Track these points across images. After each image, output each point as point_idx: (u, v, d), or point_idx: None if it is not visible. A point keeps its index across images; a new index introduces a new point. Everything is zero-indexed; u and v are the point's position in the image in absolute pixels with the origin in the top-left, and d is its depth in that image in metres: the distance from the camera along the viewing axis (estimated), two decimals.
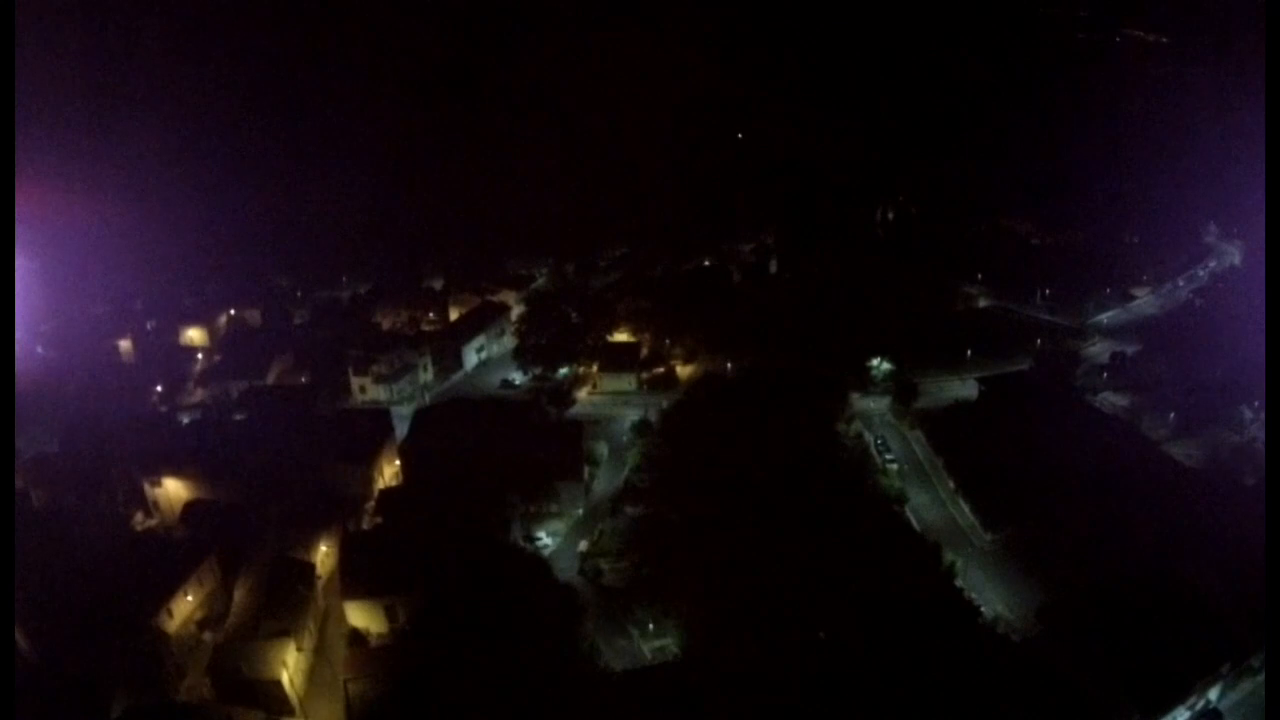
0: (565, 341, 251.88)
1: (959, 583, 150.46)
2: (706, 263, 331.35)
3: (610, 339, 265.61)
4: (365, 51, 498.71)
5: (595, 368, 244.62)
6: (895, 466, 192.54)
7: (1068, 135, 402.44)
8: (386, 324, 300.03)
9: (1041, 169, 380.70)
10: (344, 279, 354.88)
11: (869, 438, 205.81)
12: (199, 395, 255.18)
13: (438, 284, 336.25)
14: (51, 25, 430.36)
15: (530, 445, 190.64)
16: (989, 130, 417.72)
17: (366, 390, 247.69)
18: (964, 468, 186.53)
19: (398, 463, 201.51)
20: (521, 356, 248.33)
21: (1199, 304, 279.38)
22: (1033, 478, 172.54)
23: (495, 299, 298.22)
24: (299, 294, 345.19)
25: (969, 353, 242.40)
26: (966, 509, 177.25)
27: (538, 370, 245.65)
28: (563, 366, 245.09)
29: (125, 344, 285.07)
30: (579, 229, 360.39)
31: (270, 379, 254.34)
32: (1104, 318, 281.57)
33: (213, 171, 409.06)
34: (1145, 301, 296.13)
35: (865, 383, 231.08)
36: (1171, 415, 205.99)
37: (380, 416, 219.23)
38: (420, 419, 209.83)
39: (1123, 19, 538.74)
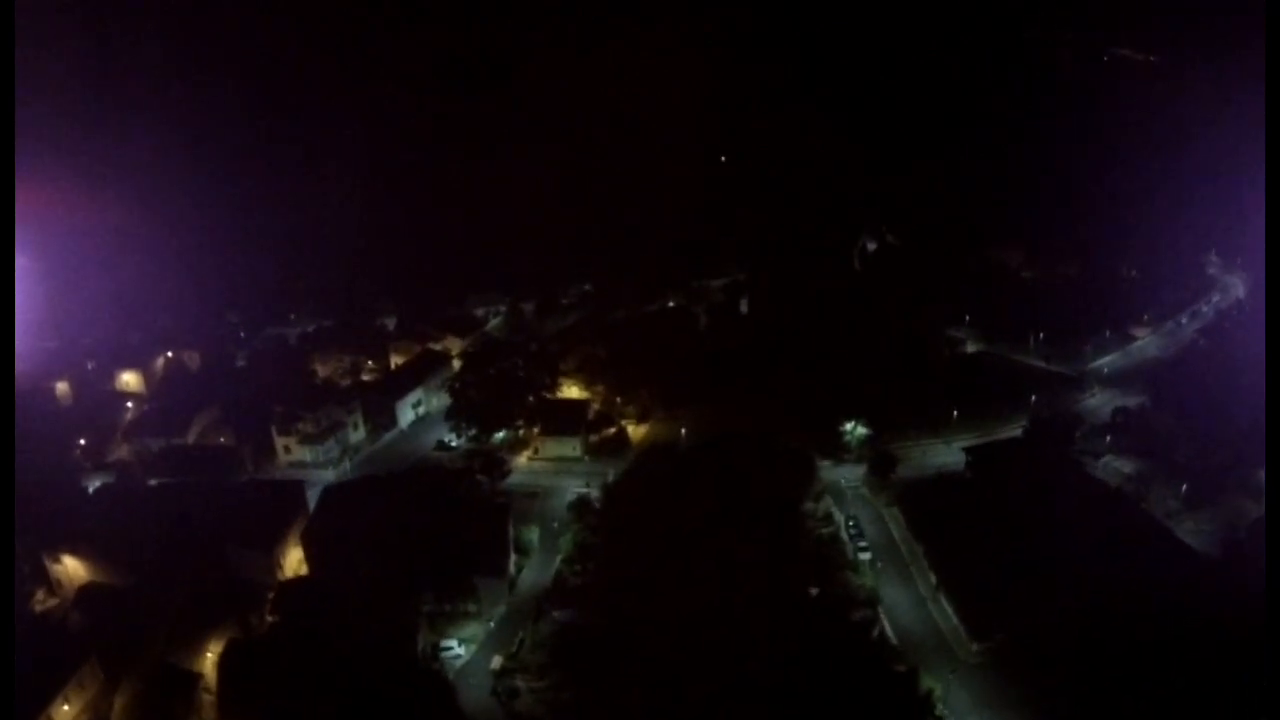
0: (505, 400, 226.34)
1: (940, 711, 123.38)
2: (672, 304, 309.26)
3: (558, 393, 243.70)
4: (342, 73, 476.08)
5: (536, 430, 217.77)
6: (868, 556, 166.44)
7: (1058, 160, 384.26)
8: (325, 371, 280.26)
9: (1031, 196, 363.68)
10: (292, 316, 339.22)
11: (839, 518, 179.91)
12: (123, 451, 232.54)
13: (391, 321, 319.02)
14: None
15: (451, 530, 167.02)
16: (975, 155, 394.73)
17: (291, 451, 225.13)
18: (947, 558, 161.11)
19: None
20: (455, 417, 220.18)
21: (1203, 344, 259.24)
22: (1026, 569, 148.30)
23: (438, 346, 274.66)
24: (242, 334, 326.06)
25: (955, 413, 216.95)
26: (950, 610, 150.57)
27: (472, 433, 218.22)
28: (499, 430, 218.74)
29: (63, 386, 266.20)
30: (545, 262, 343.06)
31: (192, 436, 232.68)
32: (1103, 363, 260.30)
33: (178, 196, 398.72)
34: (1147, 342, 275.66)
35: (838, 448, 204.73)
36: (1184, 487, 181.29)
37: (291, 490, 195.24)
38: (328, 497, 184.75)
39: (1109, 40, 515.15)
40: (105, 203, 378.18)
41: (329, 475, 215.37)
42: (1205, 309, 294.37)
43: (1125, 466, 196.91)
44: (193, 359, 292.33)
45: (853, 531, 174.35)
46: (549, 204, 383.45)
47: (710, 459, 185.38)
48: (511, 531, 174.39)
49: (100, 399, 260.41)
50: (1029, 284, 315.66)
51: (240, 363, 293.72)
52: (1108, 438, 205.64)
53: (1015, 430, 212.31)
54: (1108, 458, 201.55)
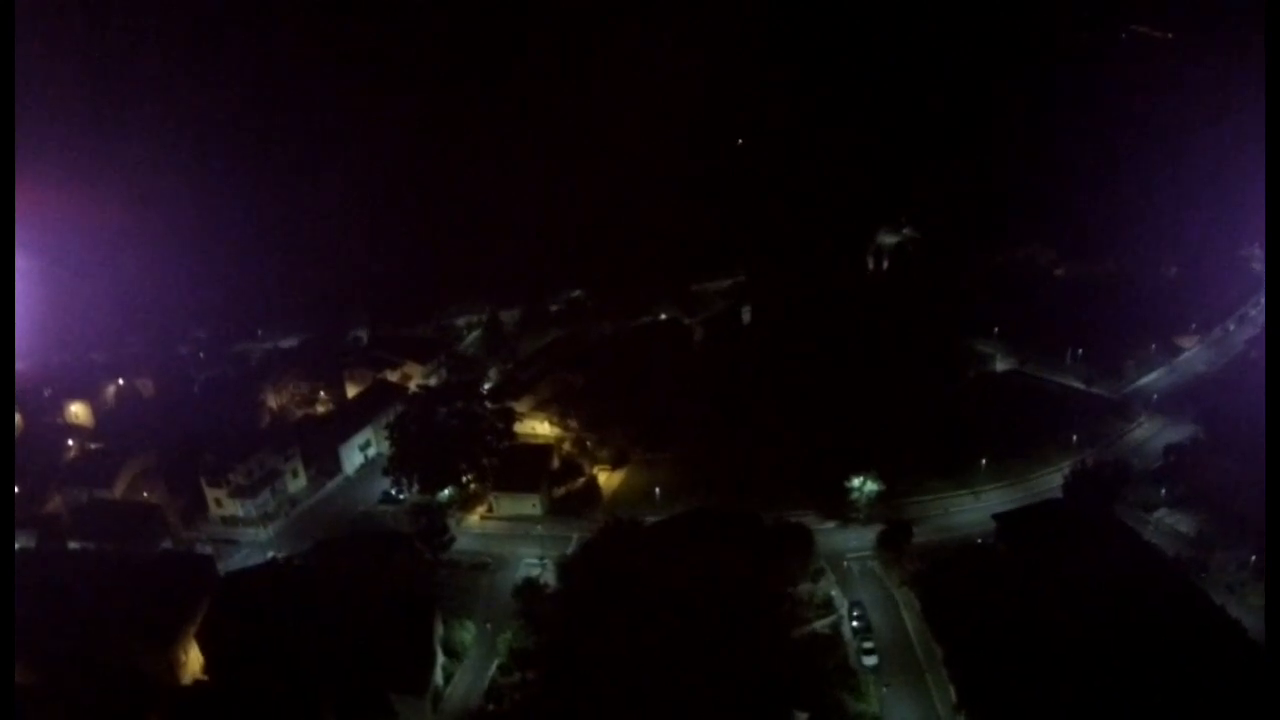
0: (454, 449, 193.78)
1: None
2: (664, 316, 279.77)
3: (525, 431, 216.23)
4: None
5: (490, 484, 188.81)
6: (874, 661, 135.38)
7: (1087, 147, 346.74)
8: (279, 400, 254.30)
9: (1060, 186, 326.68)
10: (259, 332, 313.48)
11: (841, 605, 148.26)
12: (56, 502, 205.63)
13: (365, 334, 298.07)
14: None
15: (368, 629, 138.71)
16: (999, 143, 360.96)
17: (223, 505, 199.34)
18: (971, 666, 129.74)
19: None
20: (396, 470, 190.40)
21: (1255, 356, 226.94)
22: (1065, 679, 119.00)
23: (396, 374, 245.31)
24: (201, 354, 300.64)
25: (983, 462, 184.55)
26: None
27: (414, 491, 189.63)
28: (444, 487, 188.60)
29: (17, 418, 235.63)
30: (536, 265, 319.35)
31: (120, 488, 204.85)
32: (1149, 381, 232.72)
33: (159, 199, 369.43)
34: (1194, 355, 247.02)
35: (844, 506, 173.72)
36: (1252, 557, 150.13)
37: (200, 566, 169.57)
38: (231, 587, 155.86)
39: (1125, 16, 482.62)
40: (83, 208, 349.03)
41: (263, 534, 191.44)
42: (1254, 312, 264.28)
43: (1182, 523, 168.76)
44: (146, 386, 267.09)
45: (857, 624, 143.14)
46: (542, 201, 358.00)
47: (682, 535, 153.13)
48: (440, 629, 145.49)
49: (47, 434, 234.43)
50: (1062, 286, 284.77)
51: (197, 389, 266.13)
52: (1162, 490, 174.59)
53: (1053, 474, 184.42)
54: (1161, 512, 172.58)
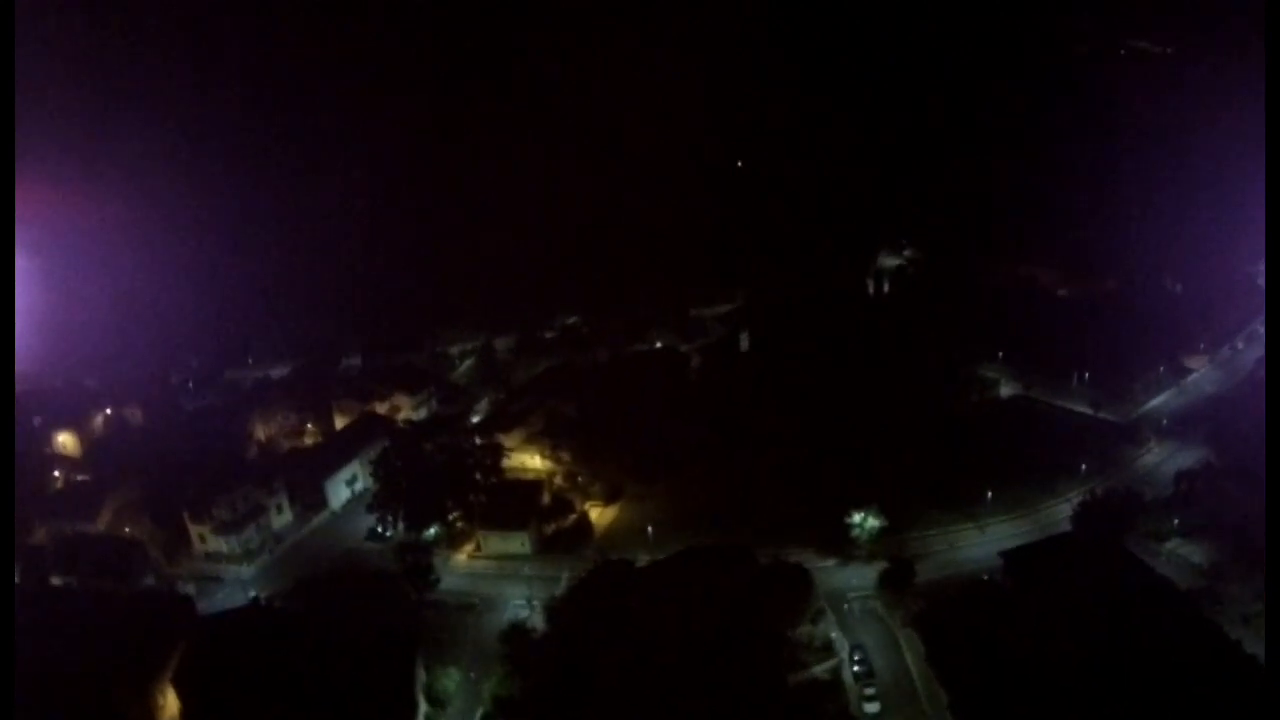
0: (440, 486, 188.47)
1: None
2: (660, 344, 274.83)
3: (515, 465, 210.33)
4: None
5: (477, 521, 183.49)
6: (876, 708, 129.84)
7: (1087, 162, 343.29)
8: (268, 431, 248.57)
9: (1061, 203, 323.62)
10: (250, 359, 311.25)
11: (842, 648, 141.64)
12: (41, 535, 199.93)
13: (358, 361, 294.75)
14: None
15: (346, 676, 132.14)
16: (997, 157, 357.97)
17: (207, 541, 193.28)
18: (976, 710, 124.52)
19: None
20: (380, 507, 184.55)
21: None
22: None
23: (385, 406, 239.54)
24: (190, 384, 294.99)
25: (989, 494, 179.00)
26: None
27: (400, 528, 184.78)
28: (430, 525, 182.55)
29: None
30: (532, 290, 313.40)
31: (104, 521, 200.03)
32: (1157, 404, 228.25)
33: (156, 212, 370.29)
34: (1203, 375, 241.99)
35: (845, 542, 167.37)
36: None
37: (179, 609, 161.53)
38: (209, 630, 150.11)
39: (1124, 27, 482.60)
40: (79, 208, 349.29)
41: (247, 571, 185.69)
42: (1262, 330, 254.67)
43: (1194, 554, 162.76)
44: (135, 415, 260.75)
45: (858, 668, 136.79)
46: (539, 213, 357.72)
47: (675, 576, 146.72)
48: (423, 675, 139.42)
49: (35, 464, 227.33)
50: (1067, 306, 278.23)
51: (185, 419, 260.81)
52: (1175, 520, 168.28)
53: (1061, 504, 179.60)
54: (1174, 542, 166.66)
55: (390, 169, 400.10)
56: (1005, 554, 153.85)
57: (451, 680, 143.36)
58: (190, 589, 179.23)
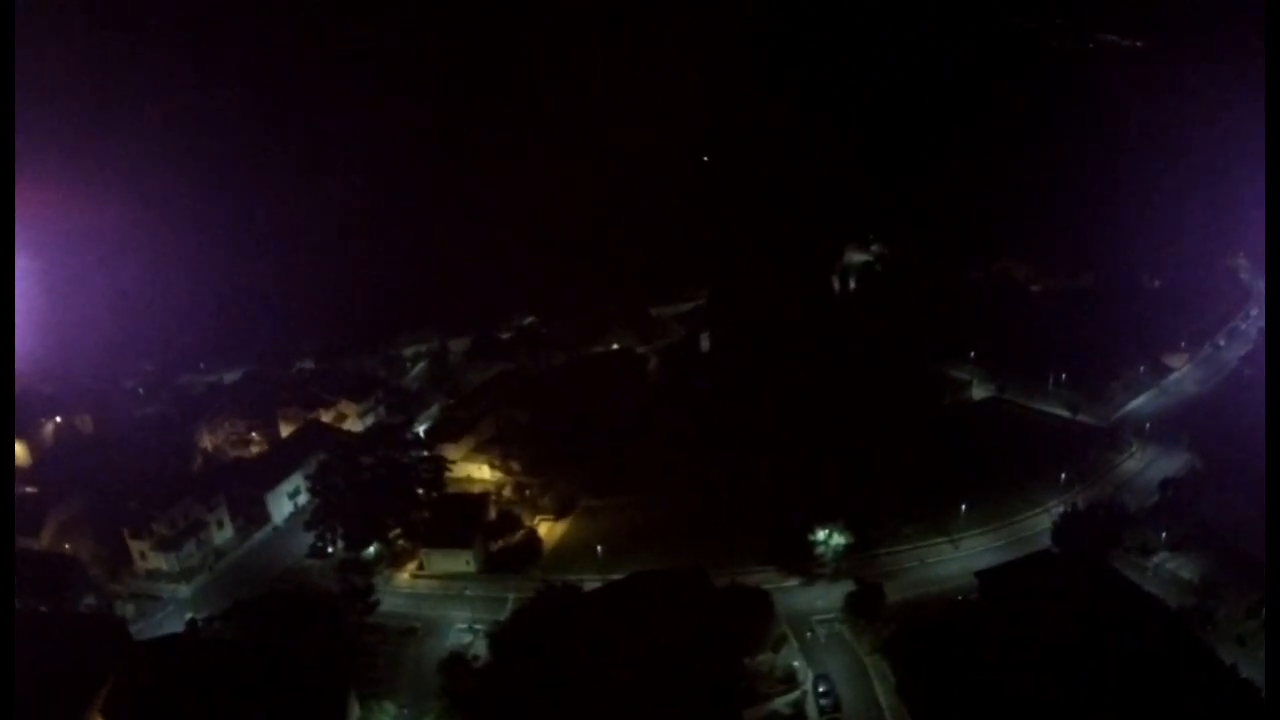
0: (380, 502, 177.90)
1: None
2: (616, 345, 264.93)
3: (460, 474, 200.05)
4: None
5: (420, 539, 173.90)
6: None
7: (1061, 155, 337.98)
8: (215, 441, 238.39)
9: (1035, 196, 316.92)
10: (202, 364, 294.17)
11: (805, 678, 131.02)
12: None
13: (310, 364, 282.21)
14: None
15: (278, 708, 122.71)
16: (971, 152, 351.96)
17: (147, 559, 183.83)
18: None
19: None
20: (319, 524, 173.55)
21: (1250, 374, 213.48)
22: None
23: (330, 412, 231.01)
24: (140, 391, 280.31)
25: (963, 507, 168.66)
26: None
27: (339, 545, 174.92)
28: (369, 543, 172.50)
29: None
30: (490, 290, 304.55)
31: (47, 537, 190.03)
32: (1137, 405, 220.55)
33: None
34: (1184, 374, 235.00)
35: (809, 560, 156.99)
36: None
37: (112, 631, 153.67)
38: (138, 658, 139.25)
39: (1095, 25, 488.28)
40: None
41: (185, 591, 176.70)
42: (1244, 326, 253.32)
43: (1184, 568, 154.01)
44: (85, 424, 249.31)
45: (823, 701, 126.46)
46: (495, 221, 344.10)
47: (625, 602, 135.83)
48: (356, 710, 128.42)
49: None
50: (1041, 303, 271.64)
51: (132, 428, 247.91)
52: (1162, 532, 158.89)
53: (1040, 515, 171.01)
54: (1161, 556, 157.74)
55: (352, 170, 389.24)
56: (981, 574, 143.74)
57: (387, 715, 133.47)
58: (129, 609, 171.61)
